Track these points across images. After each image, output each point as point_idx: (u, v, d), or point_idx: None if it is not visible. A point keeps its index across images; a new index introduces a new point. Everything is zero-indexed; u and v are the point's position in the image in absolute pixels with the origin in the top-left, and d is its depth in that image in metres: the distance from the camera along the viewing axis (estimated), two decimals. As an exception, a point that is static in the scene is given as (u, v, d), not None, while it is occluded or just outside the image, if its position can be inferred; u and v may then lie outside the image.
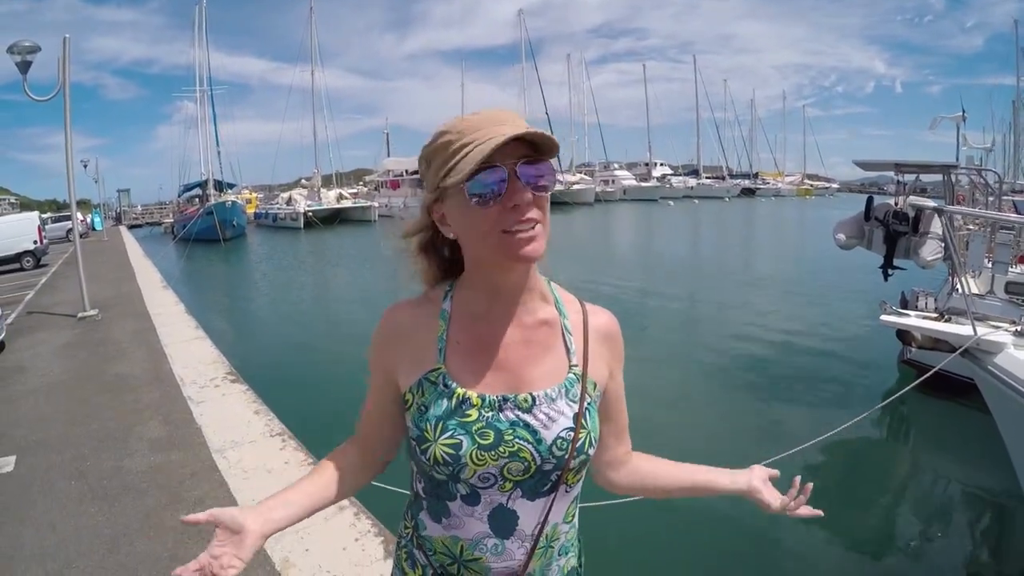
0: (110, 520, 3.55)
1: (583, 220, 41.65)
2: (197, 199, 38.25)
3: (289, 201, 46.06)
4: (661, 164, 79.67)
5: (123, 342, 8.07)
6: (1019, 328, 4.20)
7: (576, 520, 1.07)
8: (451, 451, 0.92)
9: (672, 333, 11.13)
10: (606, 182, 66.13)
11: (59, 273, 16.81)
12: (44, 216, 27.19)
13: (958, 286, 5.42)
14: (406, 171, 50.42)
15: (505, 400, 0.94)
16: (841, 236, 7.25)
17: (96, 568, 3.08)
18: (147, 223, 52.97)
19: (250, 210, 44.31)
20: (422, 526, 1.02)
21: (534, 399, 0.95)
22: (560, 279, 1.08)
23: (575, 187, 55.93)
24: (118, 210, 55.57)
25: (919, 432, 6.97)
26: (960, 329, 4.39)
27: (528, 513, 0.96)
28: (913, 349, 7.36)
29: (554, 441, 0.94)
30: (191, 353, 7.30)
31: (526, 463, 0.93)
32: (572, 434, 0.95)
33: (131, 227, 46.52)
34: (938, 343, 4.65)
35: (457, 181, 0.85)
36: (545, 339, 1.00)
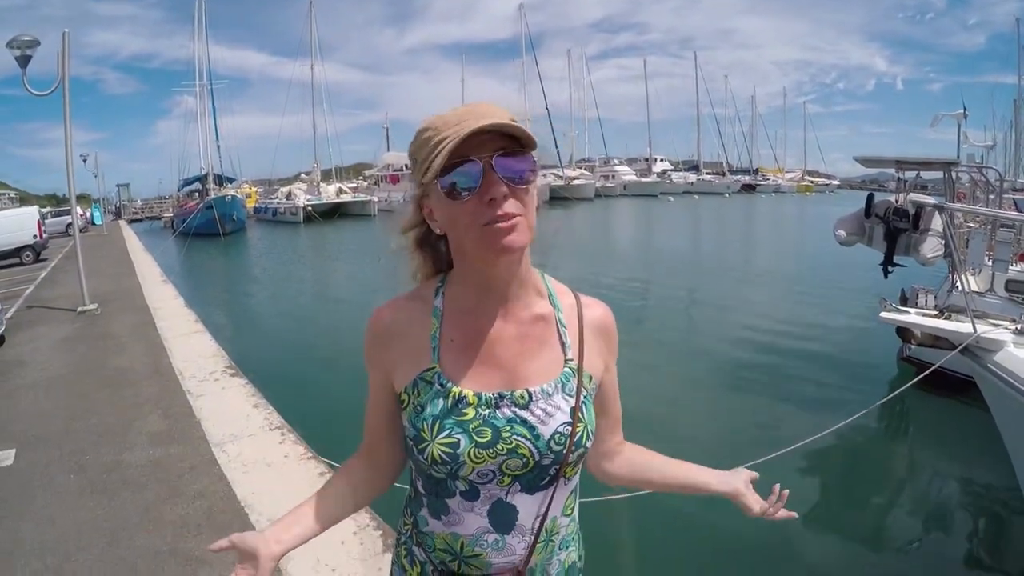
0: (110, 514, 3.55)
1: (583, 215, 41.60)
2: (197, 193, 38.19)
3: (289, 195, 45.96)
4: (661, 160, 79.55)
5: (123, 336, 8.07)
6: (1019, 326, 4.20)
7: (576, 513, 1.07)
8: (449, 450, 0.91)
9: (671, 329, 11.14)
10: (606, 177, 65.99)
11: (59, 267, 16.79)
12: (44, 210, 27.15)
13: (958, 283, 5.43)
14: (406, 165, 49.43)
15: (502, 397, 0.94)
16: (841, 233, 7.23)
17: (96, 562, 3.09)
18: (147, 217, 52.88)
19: (250, 204, 44.22)
20: (422, 523, 1.01)
21: (531, 395, 0.95)
22: (560, 275, 1.08)
23: (575, 182, 55.83)
24: (118, 204, 55.43)
25: (918, 430, 6.97)
26: (960, 327, 4.39)
27: (527, 507, 0.96)
28: (913, 346, 7.37)
29: (552, 436, 0.94)
30: (190, 347, 7.30)
31: (524, 459, 0.93)
32: (570, 428, 0.95)
33: (131, 221, 46.48)
34: (938, 340, 4.66)
35: (432, 176, 0.85)
36: (540, 333, 1.00)
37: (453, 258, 0.98)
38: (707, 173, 78.15)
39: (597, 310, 1.06)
